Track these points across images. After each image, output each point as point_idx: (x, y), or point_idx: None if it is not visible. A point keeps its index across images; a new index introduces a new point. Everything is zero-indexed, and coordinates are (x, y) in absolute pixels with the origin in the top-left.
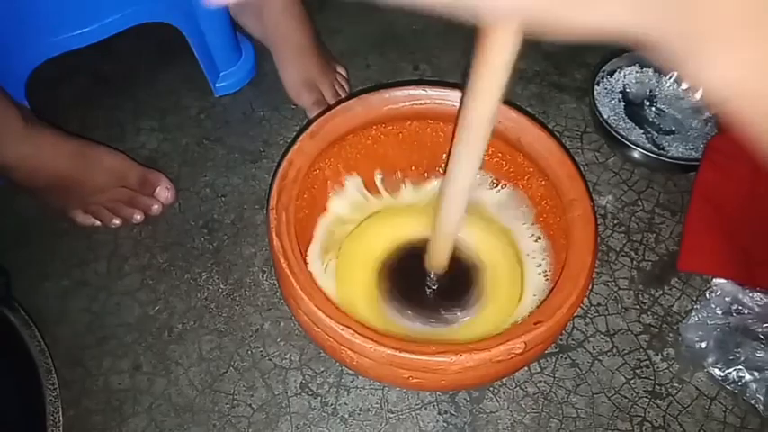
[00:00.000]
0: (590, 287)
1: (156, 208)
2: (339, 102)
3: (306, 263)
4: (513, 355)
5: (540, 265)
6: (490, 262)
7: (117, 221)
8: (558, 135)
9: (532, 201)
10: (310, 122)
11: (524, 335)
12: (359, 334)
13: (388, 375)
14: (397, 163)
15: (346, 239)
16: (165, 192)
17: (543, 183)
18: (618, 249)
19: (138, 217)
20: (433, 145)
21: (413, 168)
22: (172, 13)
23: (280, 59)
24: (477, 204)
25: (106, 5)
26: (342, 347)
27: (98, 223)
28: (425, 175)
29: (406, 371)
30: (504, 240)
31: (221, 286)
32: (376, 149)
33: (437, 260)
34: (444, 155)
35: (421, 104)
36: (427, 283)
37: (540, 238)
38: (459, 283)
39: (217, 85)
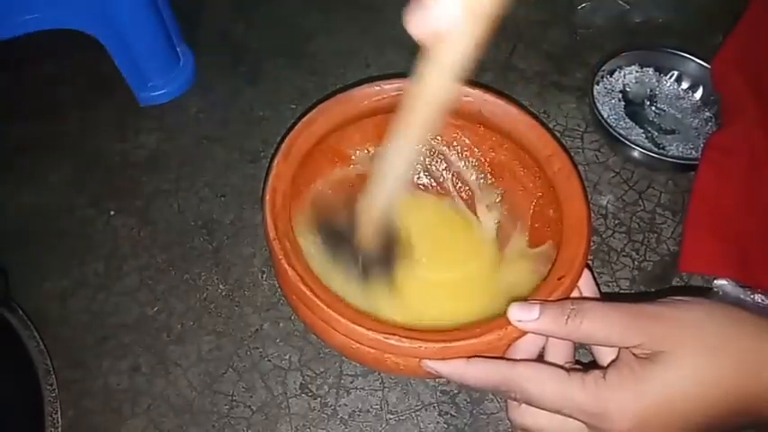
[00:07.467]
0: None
1: None
2: (302, 115)
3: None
4: None
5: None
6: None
7: None
8: (558, 134)
9: (492, 167)
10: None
11: (554, 293)
12: (406, 338)
13: None
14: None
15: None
16: None
17: (506, 146)
18: (619, 249)
19: None
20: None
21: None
22: (85, 22)
23: None
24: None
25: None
26: (388, 355)
27: None
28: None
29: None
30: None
31: (220, 287)
32: (344, 151)
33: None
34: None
35: (379, 100)
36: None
37: (500, 197)
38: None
39: (145, 94)
